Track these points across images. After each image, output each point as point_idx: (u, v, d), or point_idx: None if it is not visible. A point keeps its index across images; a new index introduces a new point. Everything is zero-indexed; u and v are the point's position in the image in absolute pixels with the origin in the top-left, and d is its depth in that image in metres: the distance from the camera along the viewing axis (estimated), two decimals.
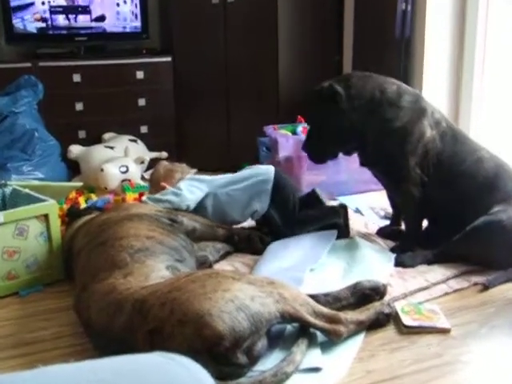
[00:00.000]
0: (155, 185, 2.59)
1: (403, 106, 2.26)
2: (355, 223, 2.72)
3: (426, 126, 2.26)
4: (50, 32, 3.79)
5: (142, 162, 3.55)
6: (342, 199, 3.06)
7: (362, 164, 2.44)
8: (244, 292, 1.47)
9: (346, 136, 2.31)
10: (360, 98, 2.25)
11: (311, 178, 2.79)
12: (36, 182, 3.07)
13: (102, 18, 3.88)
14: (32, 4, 3.69)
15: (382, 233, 2.56)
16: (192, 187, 2.43)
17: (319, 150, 2.40)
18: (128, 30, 3.96)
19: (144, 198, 2.47)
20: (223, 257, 2.32)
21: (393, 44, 3.52)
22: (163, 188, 2.50)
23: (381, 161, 2.33)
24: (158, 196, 2.40)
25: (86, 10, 3.83)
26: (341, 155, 2.47)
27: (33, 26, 3.73)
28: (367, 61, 3.87)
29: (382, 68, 3.64)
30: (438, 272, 2.13)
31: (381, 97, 2.26)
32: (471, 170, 2.24)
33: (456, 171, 2.25)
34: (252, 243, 2.37)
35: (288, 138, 3.25)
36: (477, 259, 2.18)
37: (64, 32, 3.82)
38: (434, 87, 3.39)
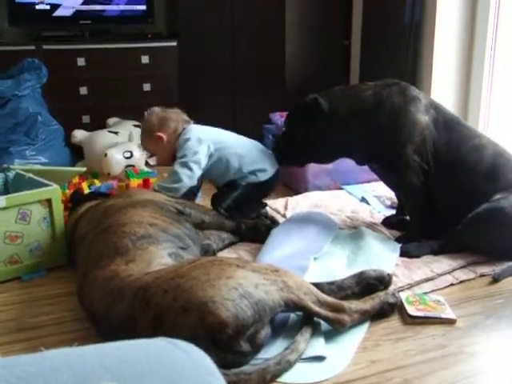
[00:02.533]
0: (149, 136, 2.51)
1: (386, 101, 2.26)
2: (361, 212, 2.73)
3: (417, 112, 2.25)
4: (55, 14, 3.78)
5: None
6: (348, 188, 3.06)
7: (359, 163, 2.45)
8: (248, 279, 1.47)
9: (325, 150, 2.37)
10: (340, 112, 2.28)
11: (317, 166, 2.79)
12: (39, 167, 3.08)
13: (107, 2, 3.87)
14: None
15: (388, 222, 2.56)
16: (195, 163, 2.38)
17: (291, 156, 2.45)
18: (133, 13, 3.95)
19: (154, 185, 2.40)
20: (227, 246, 2.33)
21: (402, 29, 3.50)
22: (160, 138, 2.47)
23: (377, 156, 2.33)
24: (169, 184, 2.33)
25: None
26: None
27: (37, 8, 3.73)
28: (376, 46, 3.86)
29: (391, 53, 3.64)
30: (443, 262, 2.13)
31: (358, 106, 2.28)
32: (468, 158, 2.23)
33: (453, 159, 2.24)
34: (258, 232, 2.37)
35: None
36: (481, 248, 2.18)
37: (69, 15, 3.81)
38: (443, 73, 3.37)
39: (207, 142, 2.43)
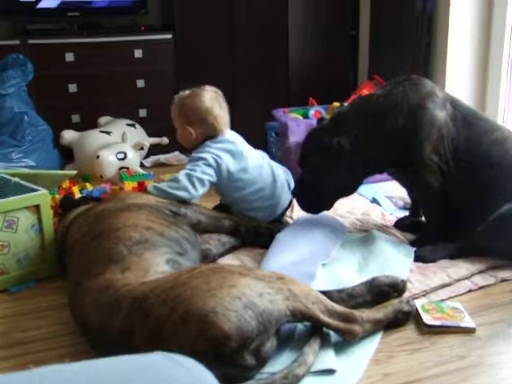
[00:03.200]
0: (181, 119, 2.49)
1: (402, 101, 2.24)
2: (372, 214, 2.73)
3: (435, 108, 2.24)
4: (39, 6, 3.78)
5: (141, 149, 3.56)
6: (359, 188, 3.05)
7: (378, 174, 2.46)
8: (251, 288, 1.48)
9: (352, 184, 2.37)
10: (360, 141, 2.24)
11: None
12: (26, 170, 3.09)
13: None
14: None
15: (401, 225, 2.56)
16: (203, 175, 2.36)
17: (317, 203, 2.42)
18: (124, 4, 3.96)
19: (149, 186, 2.37)
20: (229, 251, 2.33)
21: (414, 18, 3.50)
22: (189, 133, 2.45)
23: (396, 161, 2.32)
24: (165, 187, 2.31)
25: None
26: None
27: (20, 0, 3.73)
28: (386, 36, 3.86)
29: (402, 44, 3.65)
30: (461, 267, 2.13)
31: (375, 123, 2.25)
32: (491, 154, 2.22)
33: (474, 156, 2.23)
34: (260, 236, 2.38)
35: (299, 122, 3.25)
36: (503, 252, 2.18)
37: (54, 6, 3.81)
38: (458, 65, 3.37)
39: (223, 172, 2.40)
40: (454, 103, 2.31)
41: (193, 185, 2.32)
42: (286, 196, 2.56)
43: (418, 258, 2.21)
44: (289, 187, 2.58)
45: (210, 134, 2.47)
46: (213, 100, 2.50)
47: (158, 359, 0.84)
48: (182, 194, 2.30)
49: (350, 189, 2.41)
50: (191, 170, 2.36)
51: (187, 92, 2.54)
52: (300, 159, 2.39)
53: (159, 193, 2.29)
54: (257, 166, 2.49)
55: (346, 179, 2.32)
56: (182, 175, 2.34)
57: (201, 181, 2.34)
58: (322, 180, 2.32)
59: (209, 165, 2.37)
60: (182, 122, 2.49)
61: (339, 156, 2.24)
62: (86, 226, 2.01)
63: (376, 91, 2.39)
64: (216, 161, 2.39)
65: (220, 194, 2.57)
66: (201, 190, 2.34)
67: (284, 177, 2.59)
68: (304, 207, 2.44)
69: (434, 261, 2.19)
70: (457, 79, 3.38)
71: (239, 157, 2.45)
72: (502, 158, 2.22)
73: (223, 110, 2.52)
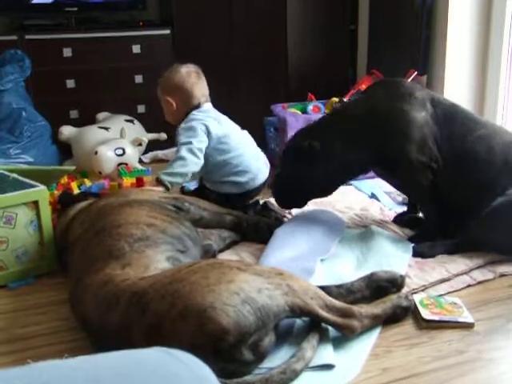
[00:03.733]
0: (162, 93, 2.67)
1: (375, 105, 2.30)
2: (370, 209, 2.74)
3: (411, 110, 2.26)
4: (36, 1, 3.77)
5: (140, 144, 3.56)
6: (357, 184, 3.06)
7: (362, 174, 2.51)
8: (250, 284, 1.48)
9: (327, 184, 2.43)
10: (334, 143, 2.31)
11: None
12: (24, 166, 3.09)
13: None
14: None
15: (400, 220, 2.57)
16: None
17: (291, 199, 2.49)
18: None
19: (159, 174, 2.45)
20: (229, 246, 2.34)
21: (413, 13, 3.50)
22: (169, 103, 2.61)
23: (379, 162, 2.35)
24: (176, 169, 2.42)
25: None
26: None
27: None
28: (385, 31, 3.85)
29: (401, 39, 3.65)
30: (460, 262, 2.13)
31: (350, 126, 2.31)
32: (476, 151, 2.23)
33: (458, 154, 2.24)
34: (260, 231, 2.39)
35: (298, 118, 3.25)
36: (499, 246, 2.18)
37: (51, 1, 3.80)
38: (458, 60, 3.37)
39: (212, 134, 2.54)
40: (435, 102, 2.33)
41: (197, 156, 2.46)
42: (264, 172, 2.69)
43: (416, 254, 2.22)
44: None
45: (191, 104, 2.63)
46: (189, 72, 2.67)
47: (156, 354, 0.85)
48: (192, 168, 2.46)
49: (325, 189, 2.47)
50: (188, 142, 2.48)
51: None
52: (280, 157, 2.52)
53: (173, 177, 2.41)
54: (240, 134, 2.68)
55: (320, 180, 2.38)
56: (183, 151, 2.46)
57: (200, 149, 2.48)
58: (296, 178, 2.40)
59: (200, 132, 2.51)
60: (164, 95, 2.65)
61: (312, 157, 2.32)
62: (87, 221, 2.01)
63: (355, 98, 2.44)
64: (205, 126, 2.53)
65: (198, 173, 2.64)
66: (202, 159, 2.49)
67: (263, 158, 2.74)
68: (278, 201, 2.53)
69: (432, 256, 2.20)
70: (456, 73, 3.38)
71: (223, 123, 2.62)
72: (488, 154, 2.23)
73: (201, 81, 2.70)
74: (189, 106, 2.63)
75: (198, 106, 2.64)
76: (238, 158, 2.59)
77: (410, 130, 2.24)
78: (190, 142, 2.47)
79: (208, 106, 2.68)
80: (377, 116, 2.28)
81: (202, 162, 2.49)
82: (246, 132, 2.76)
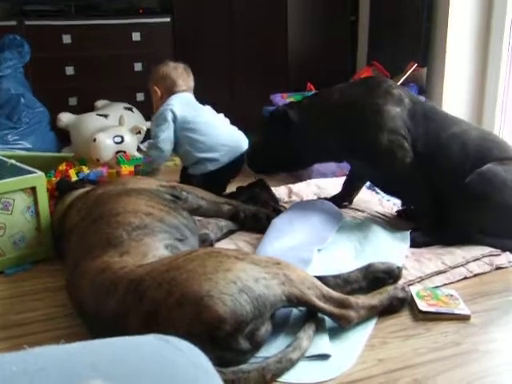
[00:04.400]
0: (151, 86, 2.86)
1: (353, 101, 2.35)
2: (369, 201, 2.73)
3: (385, 104, 2.31)
4: None
5: (139, 132, 3.55)
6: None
7: (337, 161, 2.64)
8: (247, 273, 1.48)
9: (298, 159, 2.52)
10: (310, 121, 2.40)
11: None
12: (22, 153, 3.08)
13: None
14: None
15: (404, 214, 2.57)
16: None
17: (263, 164, 2.62)
18: None
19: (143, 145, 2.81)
20: (226, 235, 2.34)
21: (414, 4, 3.48)
22: (155, 92, 2.82)
23: (354, 149, 2.38)
24: (148, 168, 2.75)
25: None
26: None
27: None
28: (385, 22, 3.84)
29: (402, 30, 3.63)
30: (457, 254, 2.13)
31: (328, 113, 2.39)
32: (448, 147, 2.27)
33: (433, 150, 2.28)
34: (258, 221, 2.39)
35: None
36: (486, 225, 2.21)
37: None
38: (458, 52, 3.36)
39: (172, 122, 2.70)
40: (414, 99, 2.39)
41: (160, 150, 2.69)
42: (240, 146, 2.78)
43: (414, 244, 2.22)
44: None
45: (173, 93, 2.79)
46: (177, 66, 2.86)
47: (153, 341, 0.85)
48: (160, 161, 2.75)
49: (296, 163, 2.57)
50: (153, 138, 2.73)
51: None
52: (258, 125, 2.67)
53: (152, 172, 2.72)
54: (213, 115, 2.91)
55: (292, 152, 2.47)
56: (149, 150, 2.77)
57: (164, 141, 2.68)
58: (270, 143, 2.52)
59: (166, 119, 2.68)
60: (152, 85, 2.84)
61: (287, 126, 2.42)
62: (85, 209, 2.01)
63: (337, 86, 2.50)
64: (171, 111, 2.69)
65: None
66: (168, 147, 2.71)
67: (240, 136, 2.86)
68: (250, 163, 2.66)
69: (427, 245, 2.21)
70: (456, 65, 3.37)
71: (195, 107, 2.80)
72: (461, 151, 2.26)
73: (186, 74, 2.86)
74: (170, 93, 2.79)
75: (176, 93, 2.80)
76: (210, 136, 2.72)
77: (382, 120, 2.29)
78: (155, 136, 2.70)
79: (185, 93, 2.82)
80: (353, 109, 2.34)
81: (167, 150, 2.70)
82: (221, 115, 3.04)
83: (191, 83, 2.87)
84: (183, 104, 2.75)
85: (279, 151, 2.49)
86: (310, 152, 2.46)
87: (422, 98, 3.00)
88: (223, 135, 2.77)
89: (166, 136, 2.68)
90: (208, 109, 2.91)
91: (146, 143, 3.75)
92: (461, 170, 2.23)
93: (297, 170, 2.68)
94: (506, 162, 2.22)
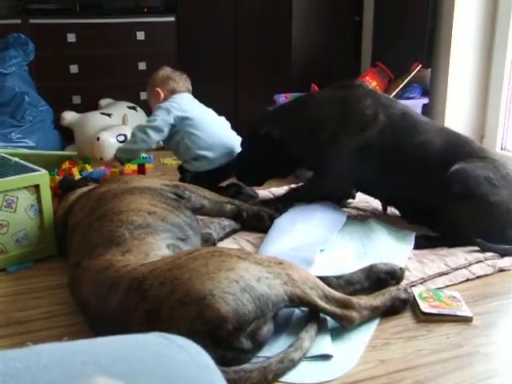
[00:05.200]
0: (151, 89, 2.95)
1: (326, 121, 2.45)
2: (371, 201, 2.73)
3: (349, 133, 2.40)
4: None
5: None
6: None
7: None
8: (250, 272, 1.48)
9: (281, 169, 2.66)
10: (290, 136, 2.51)
11: None
12: (26, 151, 3.09)
13: None
14: None
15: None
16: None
17: (251, 176, 2.72)
18: None
19: (116, 151, 2.82)
20: (229, 234, 2.34)
21: (419, 4, 3.47)
22: (158, 93, 2.89)
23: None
24: (125, 145, 2.83)
25: None
26: None
27: None
28: (389, 23, 3.83)
29: (406, 31, 3.63)
30: (459, 256, 2.13)
31: (304, 127, 2.49)
32: (413, 159, 2.33)
33: (401, 165, 2.35)
34: (261, 220, 2.39)
35: None
36: (477, 226, 2.22)
37: None
38: (462, 52, 3.34)
39: (175, 113, 2.77)
40: (386, 110, 2.43)
41: (146, 134, 2.73)
42: (236, 150, 2.85)
43: (418, 246, 2.22)
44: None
45: (175, 92, 2.90)
46: (174, 71, 3.00)
47: (154, 339, 0.85)
48: (141, 145, 2.76)
49: (282, 172, 2.70)
50: (146, 121, 2.81)
51: None
52: (242, 141, 2.78)
53: (124, 153, 2.77)
54: (212, 116, 2.92)
55: (276, 164, 2.59)
56: (136, 131, 2.77)
57: (153, 128, 2.73)
58: (254, 159, 2.62)
59: (156, 119, 2.75)
60: (152, 87, 2.93)
61: (269, 143, 2.52)
62: (88, 207, 2.01)
63: (321, 92, 2.64)
64: (167, 109, 2.77)
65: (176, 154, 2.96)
66: (155, 136, 2.74)
67: (236, 139, 2.90)
68: (239, 177, 2.75)
69: (428, 247, 2.22)
70: (461, 65, 3.36)
71: (194, 106, 2.88)
72: (424, 162, 2.32)
73: (185, 79, 2.99)
74: (173, 94, 2.89)
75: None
76: (211, 135, 2.81)
77: (350, 125, 2.40)
78: (148, 121, 2.79)
79: (187, 93, 2.94)
80: (324, 130, 2.44)
81: (152, 138, 2.74)
82: (223, 118, 3.01)
83: (190, 87, 2.99)
84: (187, 100, 2.86)
85: (264, 163, 2.61)
86: (291, 162, 2.59)
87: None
88: (223, 137, 2.86)
89: (161, 124, 2.73)
90: (210, 111, 2.96)
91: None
92: (435, 178, 2.27)
93: (284, 177, 2.77)
94: (470, 161, 2.27)
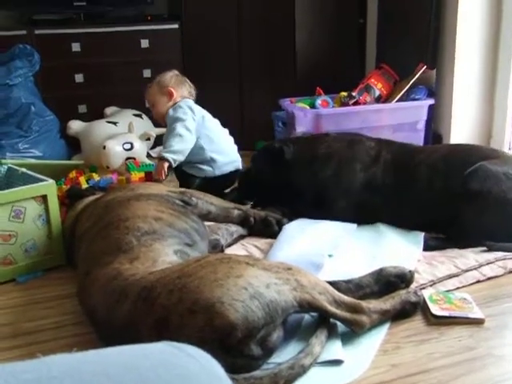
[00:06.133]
0: (160, 88, 2.91)
1: (333, 155, 2.52)
2: None
3: (356, 169, 2.46)
4: None
5: (148, 139, 3.56)
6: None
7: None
8: (258, 278, 1.48)
9: (285, 194, 2.59)
10: (300, 161, 2.56)
11: None
12: (33, 161, 3.10)
13: None
14: None
15: None
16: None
17: (252, 193, 2.73)
18: None
19: (161, 152, 2.75)
20: (236, 240, 2.34)
21: (422, 5, 3.47)
22: (170, 93, 2.87)
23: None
24: (175, 147, 2.70)
25: None
26: None
27: None
28: (394, 24, 3.83)
29: (409, 31, 3.62)
30: (469, 258, 2.12)
31: (313, 158, 2.55)
32: (421, 177, 2.36)
33: (406, 196, 2.37)
34: (268, 226, 2.39)
35: (306, 112, 3.24)
36: (492, 225, 2.21)
37: None
38: (467, 52, 3.33)
39: (196, 114, 2.80)
40: (389, 149, 2.49)
41: (191, 132, 2.74)
42: (238, 159, 2.95)
43: (427, 248, 2.22)
44: None
45: (187, 97, 2.92)
46: (182, 76, 3.02)
47: (164, 348, 0.84)
48: (190, 144, 2.74)
49: (283, 198, 2.60)
50: (181, 119, 2.75)
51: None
52: (252, 156, 2.78)
53: (175, 154, 2.69)
54: (216, 122, 2.94)
55: (281, 187, 2.58)
56: (179, 129, 2.72)
57: (192, 128, 2.75)
58: (261, 180, 2.64)
59: (189, 112, 2.79)
60: (164, 89, 2.90)
61: (280, 161, 2.57)
62: (95, 215, 2.02)
63: (331, 135, 2.68)
64: (190, 107, 2.81)
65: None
66: (195, 135, 2.76)
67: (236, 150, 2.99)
68: (240, 192, 2.75)
69: (438, 248, 2.22)
70: (466, 65, 3.35)
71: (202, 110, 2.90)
72: (432, 183, 2.35)
73: (192, 88, 3.01)
74: (182, 98, 2.91)
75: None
76: (223, 141, 2.88)
77: (351, 184, 2.45)
78: (183, 119, 2.74)
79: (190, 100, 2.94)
80: (331, 165, 2.50)
81: (195, 138, 2.76)
82: (226, 131, 3.00)
83: (194, 91, 3.02)
84: (198, 106, 2.89)
85: (267, 184, 2.62)
86: (291, 191, 2.57)
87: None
88: (231, 144, 2.94)
89: (193, 124, 2.77)
90: (216, 120, 2.99)
91: (156, 149, 3.77)
92: (453, 182, 2.28)
93: (281, 206, 2.65)
94: (491, 161, 2.27)
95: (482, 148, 2.44)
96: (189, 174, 2.87)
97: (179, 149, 2.71)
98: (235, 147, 3.00)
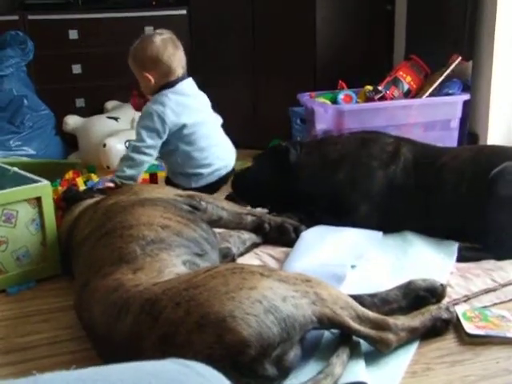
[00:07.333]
0: (137, 68, 2.79)
1: (347, 156, 2.55)
2: None
3: (377, 168, 2.48)
4: None
5: None
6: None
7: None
8: (274, 291, 1.48)
9: (284, 199, 2.63)
10: (306, 166, 2.60)
11: None
12: (26, 159, 3.13)
13: None
14: None
15: None
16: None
17: (248, 194, 2.74)
18: None
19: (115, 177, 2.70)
20: (249, 249, 2.35)
21: None
22: (147, 79, 2.72)
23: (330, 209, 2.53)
24: (126, 172, 2.68)
25: None
26: None
27: None
28: (425, 10, 3.82)
29: (442, 19, 3.61)
30: (508, 271, 2.12)
31: (324, 161, 2.58)
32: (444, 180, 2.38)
33: (430, 200, 2.39)
34: (284, 233, 2.39)
35: (327, 108, 3.24)
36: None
37: None
38: (508, 44, 3.33)
39: (168, 125, 2.69)
40: (405, 154, 2.49)
41: (145, 154, 2.69)
42: (232, 161, 2.93)
43: (461, 259, 2.22)
44: None
45: (168, 77, 2.75)
46: (165, 42, 2.76)
47: (172, 366, 0.85)
48: (142, 167, 2.72)
49: (280, 204, 2.65)
50: (138, 140, 2.70)
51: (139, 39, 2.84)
52: (255, 156, 2.82)
53: (126, 180, 2.66)
54: (210, 122, 2.86)
55: (281, 191, 2.62)
56: (131, 152, 2.69)
57: (149, 147, 2.69)
58: (261, 180, 2.68)
59: (155, 125, 2.67)
60: (140, 70, 2.76)
61: (283, 163, 2.61)
62: (95, 221, 2.03)
63: (343, 135, 2.75)
64: (161, 118, 2.67)
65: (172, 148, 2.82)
66: (154, 153, 2.72)
67: (231, 147, 2.97)
68: (235, 191, 2.77)
69: (473, 260, 2.22)
70: (506, 57, 3.34)
71: (192, 110, 2.77)
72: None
73: (178, 51, 2.79)
74: (167, 79, 2.76)
75: (173, 84, 2.76)
76: (206, 150, 2.80)
77: (369, 184, 2.47)
78: (140, 140, 2.69)
79: (183, 85, 2.79)
80: (344, 167, 2.53)
81: (153, 156, 2.73)
82: (217, 116, 2.99)
83: (184, 61, 2.82)
84: (179, 106, 2.74)
85: (266, 185, 2.66)
86: (295, 196, 2.59)
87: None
88: (219, 150, 2.87)
89: (153, 142, 2.70)
90: (204, 111, 2.89)
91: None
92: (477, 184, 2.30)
93: (278, 212, 2.66)
94: None
95: (509, 148, 2.43)
96: (174, 183, 2.84)
97: (130, 174, 2.70)
98: (230, 149, 2.96)
